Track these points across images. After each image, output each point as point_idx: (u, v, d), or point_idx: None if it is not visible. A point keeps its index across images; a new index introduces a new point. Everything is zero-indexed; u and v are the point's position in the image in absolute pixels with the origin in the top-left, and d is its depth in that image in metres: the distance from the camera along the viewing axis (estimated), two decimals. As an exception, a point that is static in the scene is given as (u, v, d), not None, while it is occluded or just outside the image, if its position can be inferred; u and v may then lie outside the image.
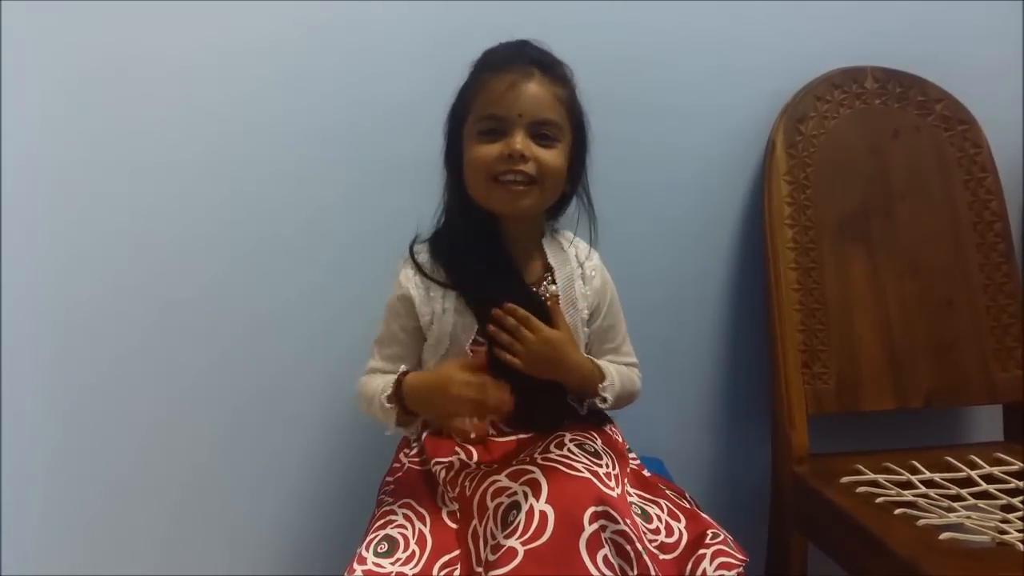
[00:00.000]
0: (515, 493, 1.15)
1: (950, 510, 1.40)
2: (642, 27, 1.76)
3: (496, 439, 1.38)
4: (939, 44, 1.86)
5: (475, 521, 1.19)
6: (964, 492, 1.48)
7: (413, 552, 1.18)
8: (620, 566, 1.08)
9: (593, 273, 1.43)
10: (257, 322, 1.72)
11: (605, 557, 1.07)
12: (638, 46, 1.76)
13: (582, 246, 1.46)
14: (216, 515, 1.76)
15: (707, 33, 1.79)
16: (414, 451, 1.43)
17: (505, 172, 1.28)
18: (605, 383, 1.37)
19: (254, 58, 1.66)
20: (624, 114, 1.74)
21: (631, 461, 1.40)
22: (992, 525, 1.34)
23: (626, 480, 1.28)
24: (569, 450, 1.25)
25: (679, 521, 1.26)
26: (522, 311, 1.28)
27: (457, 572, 1.16)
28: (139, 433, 1.71)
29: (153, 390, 1.71)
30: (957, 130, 1.81)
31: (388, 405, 1.30)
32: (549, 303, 1.36)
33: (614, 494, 1.14)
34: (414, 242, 1.42)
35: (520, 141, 1.27)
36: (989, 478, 1.53)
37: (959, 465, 1.57)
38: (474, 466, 1.31)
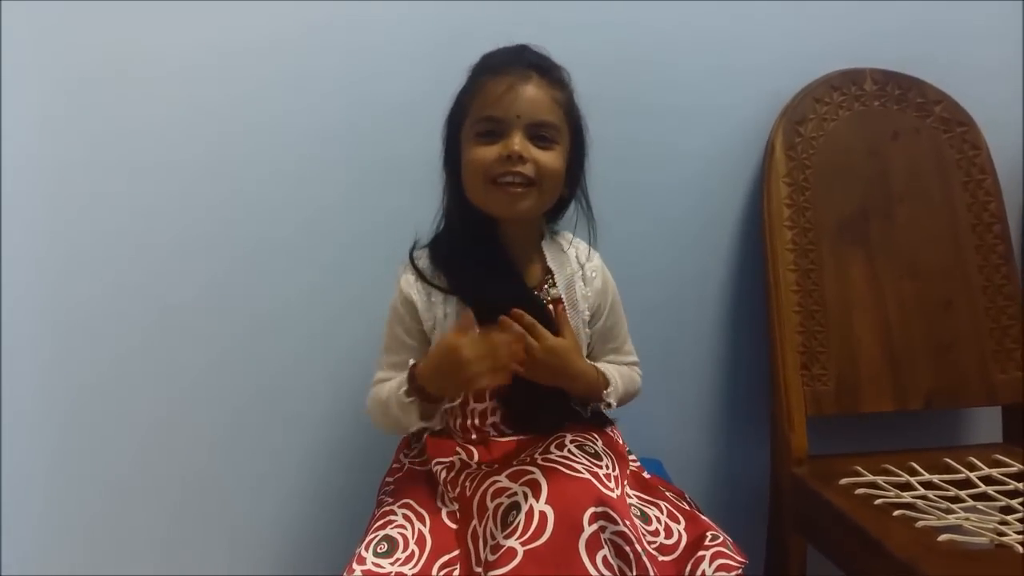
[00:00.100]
0: (515, 493, 1.15)
1: (949, 512, 1.40)
2: (641, 29, 1.76)
3: (497, 439, 1.38)
4: (938, 46, 1.86)
5: (475, 521, 1.19)
6: (963, 494, 1.48)
7: (412, 552, 1.18)
8: (619, 567, 1.08)
9: (594, 274, 1.43)
10: (257, 322, 1.72)
11: (604, 558, 1.08)
12: (637, 48, 1.76)
13: (582, 247, 1.46)
14: (216, 515, 1.76)
15: (706, 35, 1.79)
16: (414, 451, 1.44)
17: (503, 174, 1.28)
18: (609, 389, 1.38)
19: (254, 58, 1.67)
20: (623, 115, 1.75)
21: (631, 463, 1.40)
22: (991, 527, 1.34)
23: (626, 482, 1.28)
24: (569, 451, 1.25)
25: (678, 523, 1.27)
26: (528, 318, 1.29)
27: (456, 572, 1.16)
28: (139, 433, 1.71)
29: (153, 390, 1.71)
30: (956, 132, 1.81)
31: (408, 399, 1.28)
32: (554, 310, 1.36)
33: (614, 495, 1.14)
34: (413, 247, 1.41)
35: (518, 142, 1.27)
36: (988, 480, 1.53)
37: (958, 467, 1.57)
38: (474, 466, 1.31)
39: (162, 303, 1.69)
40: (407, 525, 1.22)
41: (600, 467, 1.21)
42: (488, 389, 1.35)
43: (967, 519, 1.36)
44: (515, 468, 1.22)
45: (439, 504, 1.28)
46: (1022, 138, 1.89)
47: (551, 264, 1.40)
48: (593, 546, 1.08)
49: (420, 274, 1.38)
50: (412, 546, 1.19)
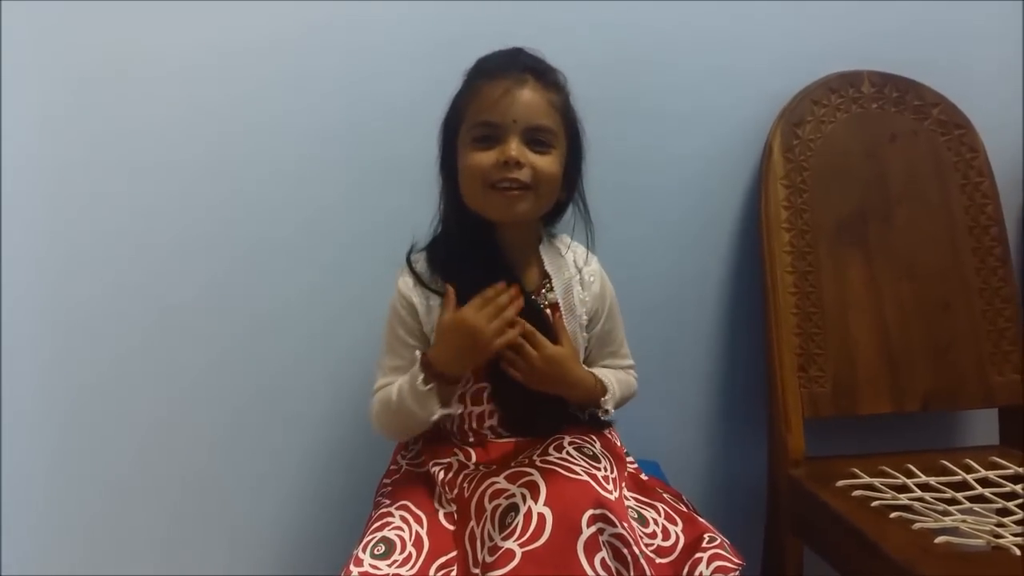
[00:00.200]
0: (513, 495, 1.16)
1: (946, 514, 1.40)
2: (639, 30, 1.76)
3: (495, 441, 1.38)
4: (936, 48, 1.86)
5: (473, 523, 1.19)
6: (960, 496, 1.48)
7: (410, 554, 1.18)
8: (617, 569, 1.09)
9: (592, 278, 1.43)
10: (257, 322, 1.72)
11: (603, 560, 1.08)
12: (635, 49, 1.77)
13: (580, 251, 1.45)
14: (216, 515, 1.76)
15: (704, 37, 1.79)
16: (411, 453, 1.43)
17: (501, 180, 1.27)
18: (607, 396, 1.38)
19: (254, 58, 1.67)
20: (622, 117, 1.76)
21: (628, 465, 1.40)
22: (987, 529, 1.34)
23: (624, 484, 1.28)
24: (568, 453, 1.25)
25: (676, 525, 1.27)
26: (527, 326, 1.29)
27: (454, 573, 1.16)
28: (139, 433, 1.71)
29: (153, 390, 1.71)
30: (954, 134, 1.81)
31: (426, 387, 1.27)
32: (552, 317, 1.36)
33: (612, 497, 1.15)
34: (411, 251, 1.41)
35: (515, 148, 1.26)
36: (985, 482, 1.54)
37: (955, 469, 1.58)
38: (472, 467, 1.32)
39: (162, 303, 1.69)
40: (404, 527, 1.22)
41: (598, 469, 1.21)
42: (489, 389, 1.36)
43: (964, 521, 1.36)
44: (513, 469, 1.22)
45: (437, 505, 1.28)
46: (1021, 141, 1.89)
47: (548, 268, 1.40)
48: (591, 548, 1.08)
49: (418, 278, 1.37)
50: (409, 548, 1.19)
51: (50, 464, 1.70)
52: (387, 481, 1.41)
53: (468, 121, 1.31)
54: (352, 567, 1.15)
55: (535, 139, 1.29)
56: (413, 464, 1.41)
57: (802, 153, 1.75)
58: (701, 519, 1.30)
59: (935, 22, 1.86)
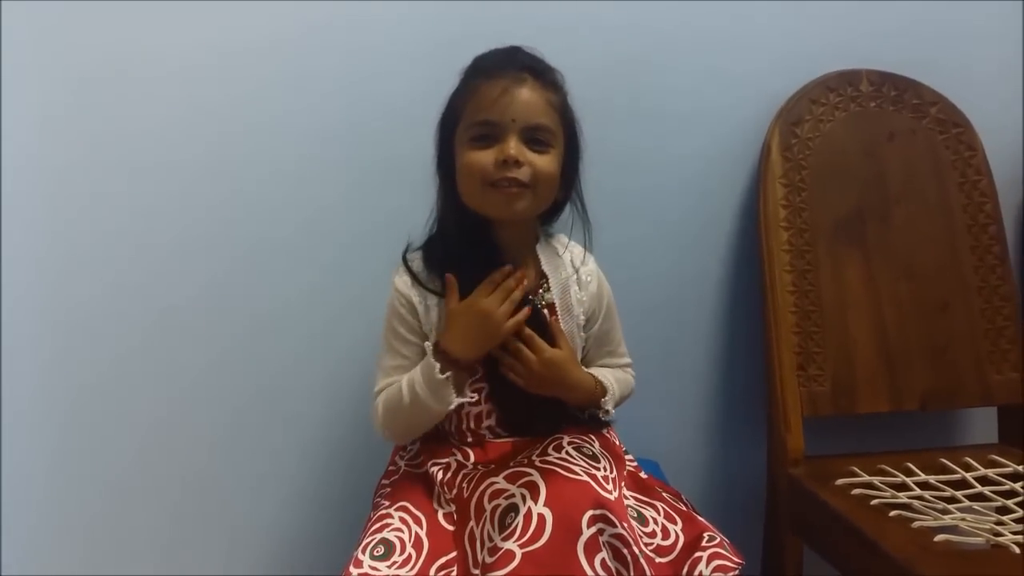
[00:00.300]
0: (513, 495, 1.16)
1: (945, 512, 1.40)
2: (638, 31, 1.76)
3: (493, 441, 1.38)
4: (934, 47, 1.87)
5: (472, 523, 1.19)
6: (959, 494, 1.48)
7: (409, 555, 1.18)
8: (617, 569, 1.09)
9: (589, 278, 1.43)
10: (257, 322, 1.72)
11: (603, 560, 1.08)
12: (634, 50, 1.77)
13: (577, 250, 1.45)
14: (216, 515, 1.76)
15: (702, 37, 1.79)
16: (410, 454, 1.43)
17: (500, 179, 1.27)
18: (606, 397, 1.39)
19: (254, 58, 1.67)
20: (620, 118, 1.77)
21: (628, 464, 1.40)
22: (987, 527, 1.35)
23: (623, 483, 1.28)
24: (567, 453, 1.25)
25: (675, 524, 1.27)
26: (526, 330, 1.30)
27: (454, 574, 1.16)
28: (139, 433, 1.71)
29: (153, 390, 1.71)
30: (952, 133, 1.81)
31: (443, 376, 1.26)
32: (549, 318, 1.36)
33: (612, 497, 1.15)
34: (407, 250, 1.41)
35: (514, 146, 1.26)
36: (984, 480, 1.54)
37: (954, 467, 1.58)
38: (471, 467, 1.32)
39: (162, 303, 1.69)
40: (404, 528, 1.22)
41: (598, 469, 1.21)
42: (487, 389, 1.37)
43: (963, 519, 1.37)
44: (513, 469, 1.22)
45: (436, 506, 1.28)
46: (1021, 139, 1.90)
47: (546, 269, 1.40)
48: (591, 548, 1.08)
49: (415, 277, 1.37)
50: (409, 549, 1.19)
51: (50, 464, 1.70)
52: (386, 482, 1.41)
53: (466, 120, 1.30)
54: (352, 568, 1.15)
55: (534, 138, 1.29)
56: (412, 465, 1.41)
57: (800, 152, 1.75)
58: (701, 518, 1.30)
59: (933, 21, 1.86)
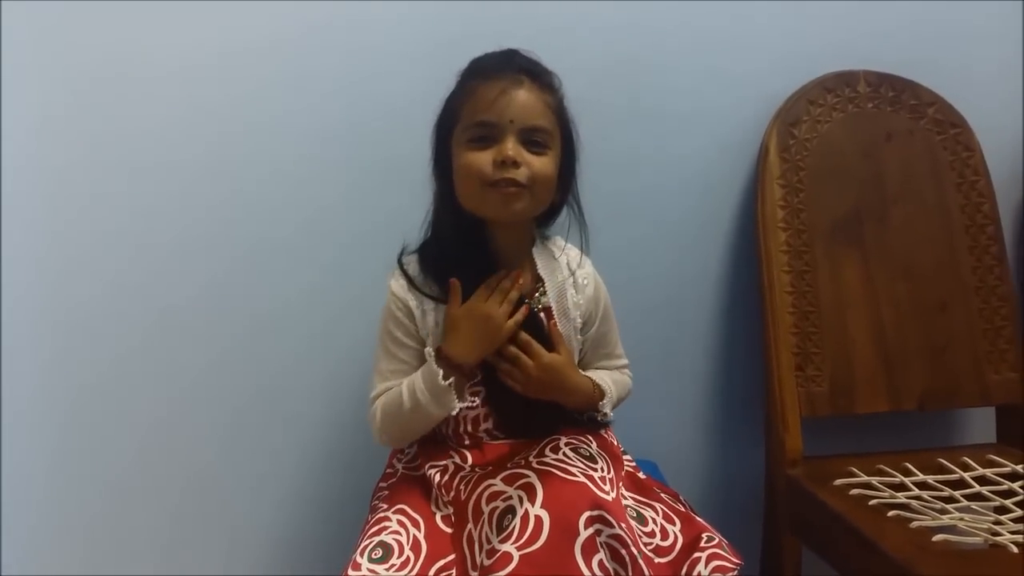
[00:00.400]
0: (510, 497, 1.16)
1: (943, 512, 1.41)
2: (636, 32, 1.77)
3: (490, 443, 1.38)
4: (931, 48, 1.87)
5: (470, 525, 1.19)
6: (957, 494, 1.49)
7: (408, 558, 1.17)
8: (615, 570, 1.09)
9: (586, 281, 1.43)
10: (257, 322, 1.72)
11: (600, 562, 1.08)
12: (632, 51, 1.77)
13: (573, 253, 1.45)
14: (216, 515, 1.76)
15: (699, 38, 1.79)
16: (407, 457, 1.43)
17: (498, 180, 1.27)
18: (604, 400, 1.39)
19: (254, 58, 1.67)
20: (619, 118, 1.77)
21: (626, 464, 1.41)
22: (985, 527, 1.35)
23: (621, 484, 1.28)
24: (564, 454, 1.25)
25: (674, 524, 1.27)
26: (523, 335, 1.31)
27: (452, 576, 1.17)
28: (139, 433, 1.71)
29: (153, 390, 1.71)
30: (949, 133, 1.82)
31: (446, 383, 1.27)
32: (546, 322, 1.36)
33: (609, 498, 1.15)
34: (402, 253, 1.41)
35: (512, 147, 1.26)
36: (982, 480, 1.55)
37: (952, 467, 1.58)
38: (468, 469, 1.32)
39: (162, 303, 1.69)
40: (402, 530, 1.22)
41: (595, 470, 1.21)
42: (484, 393, 1.37)
43: (961, 519, 1.37)
44: (510, 471, 1.22)
45: (434, 508, 1.28)
46: (1018, 139, 1.91)
47: (542, 272, 1.39)
48: (589, 550, 1.08)
49: (411, 281, 1.37)
50: (407, 552, 1.18)
51: (50, 464, 1.70)
52: (383, 485, 1.41)
53: (463, 121, 1.30)
54: (350, 571, 1.15)
55: (531, 140, 1.29)
56: (409, 468, 1.41)
57: (798, 153, 1.76)
58: (699, 519, 1.30)
59: (930, 22, 1.87)
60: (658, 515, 1.28)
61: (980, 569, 1.26)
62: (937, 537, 1.31)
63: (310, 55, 1.68)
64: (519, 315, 1.31)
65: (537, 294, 1.39)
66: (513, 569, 1.06)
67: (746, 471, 1.87)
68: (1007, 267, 1.81)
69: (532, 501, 1.12)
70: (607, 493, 1.15)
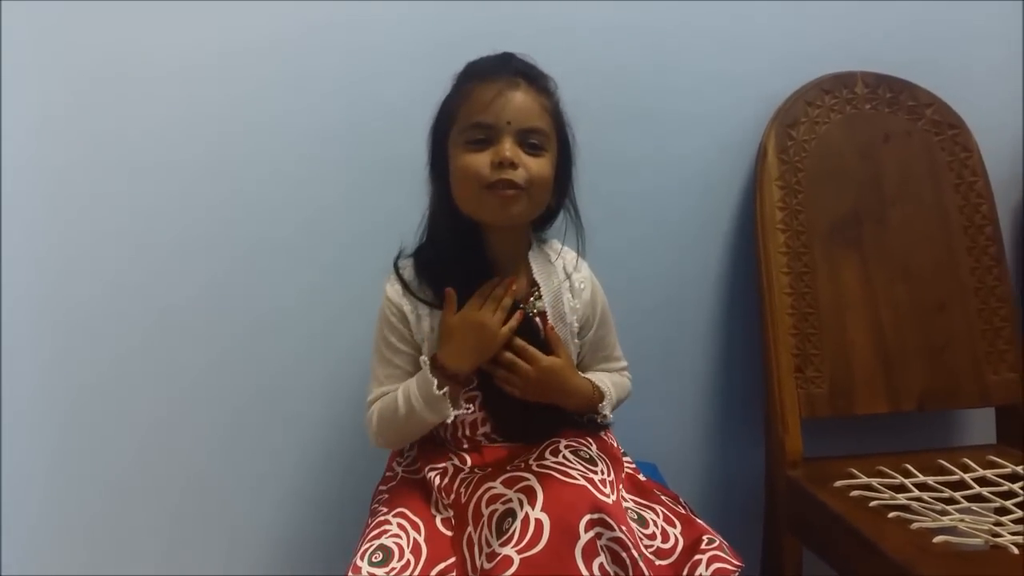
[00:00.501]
0: (510, 500, 1.16)
1: (944, 513, 1.41)
2: (635, 33, 1.77)
3: (490, 446, 1.39)
4: (929, 49, 1.87)
5: (470, 528, 1.19)
6: (957, 495, 1.49)
7: (408, 561, 1.17)
8: (616, 573, 1.09)
9: (582, 285, 1.43)
10: (257, 322, 1.72)
11: (601, 565, 1.08)
12: (631, 52, 1.77)
13: (569, 256, 1.44)
14: (216, 515, 1.76)
15: (698, 39, 1.80)
16: (407, 460, 1.43)
17: (496, 181, 1.26)
18: (604, 402, 1.39)
19: (254, 58, 1.66)
20: (618, 120, 1.77)
21: (626, 465, 1.41)
22: (986, 528, 1.35)
23: (621, 486, 1.28)
24: (564, 457, 1.25)
25: (674, 527, 1.27)
26: (518, 341, 1.31)
27: (452, 579, 1.16)
28: (139, 433, 1.71)
29: (153, 390, 1.71)
30: (947, 134, 1.82)
31: (440, 392, 1.28)
32: (544, 329, 1.36)
33: (609, 501, 1.15)
34: (399, 256, 1.41)
35: (509, 148, 1.26)
36: (982, 481, 1.55)
37: (952, 468, 1.59)
38: (468, 470, 1.32)
39: (162, 303, 1.69)
40: (402, 534, 1.22)
41: (595, 472, 1.20)
42: (480, 398, 1.37)
43: (962, 520, 1.37)
44: (510, 474, 1.22)
45: (434, 511, 1.28)
46: (1019, 140, 1.91)
47: (537, 277, 1.39)
48: (589, 553, 1.08)
49: (406, 285, 1.37)
50: (408, 555, 1.18)
51: (50, 464, 1.70)
52: (383, 488, 1.41)
53: (460, 123, 1.30)
54: (351, 574, 1.15)
55: (528, 141, 1.28)
56: (409, 471, 1.41)
57: (796, 154, 1.76)
58: (700, 521, 1.30)
59: (928, 23, 1.87)
60: (659, 517, 1.28)
61: (980, 570, 1.26)
62: (937, 538, 1.31)
63: (310, 55, 1.68)
64: (512, 322, 1.31)
65: (532, 298, 1.38)
66: (513, 572, 1.06)
67: (746, 472, 1.88)
68: (1006, 268, 1.81)
69: (532, 504, 1.12)
70: (607, 496, 1.15)
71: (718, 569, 1.20)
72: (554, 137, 1.33)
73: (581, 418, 1.41)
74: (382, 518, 1.26)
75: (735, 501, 1.90)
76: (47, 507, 1.71)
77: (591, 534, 1.09)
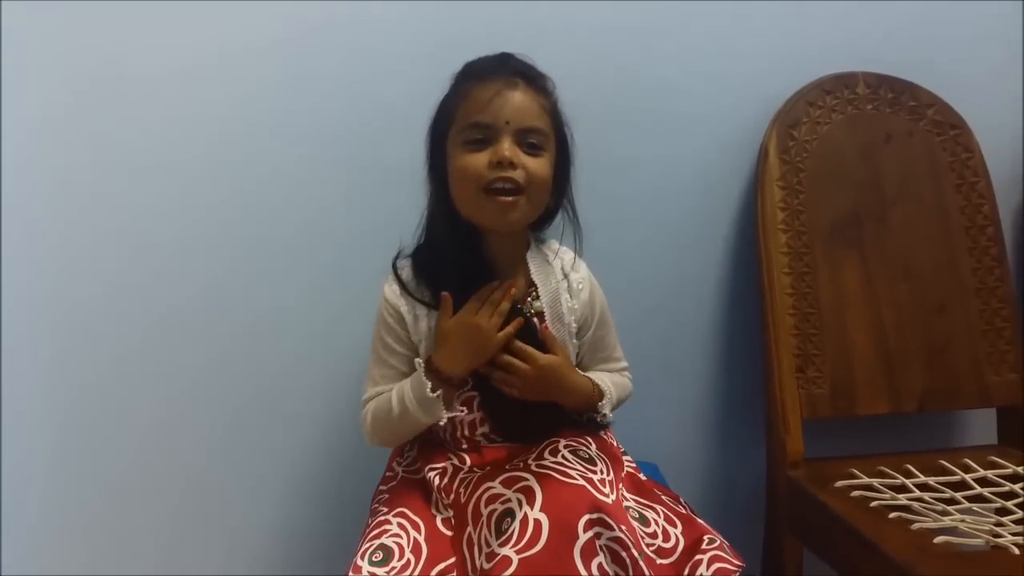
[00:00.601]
0: (509, 500, 1.15)
1: (944, 514, 1.41)
2: (635, 33, 1.76)
3: (489, 446, 1.38)
4: (930, 49, 1.87)
5: (470, 528, 1.19)
6: (958, 495, 1.49)
7: (408, 561, 1.17)
8: (616, 573, 1.08)
9: (580, 285, 1.42)
10: (257, 322, 1.72)
11: (600, 565, 1.08)
12: (631, 53, 1.77)
13: (567, 256, 1.44)
14: (216, 515, 1.76)
15: (699, 39, 1.79)
16: (407, 460, 1.43)
17: (494, 180, 1.26)
18: (603, 401, 1.39)
19: (254, 58, 1.66)
20: (619, 120, 1.77)
21: (627, 464, 1.40)
22: (986, 528, 1.35)
23: (621, 485, 1.28)
24: (563, 456, 1.25)
25: (675, 527, 1.27)
26: (517, 343, 1.31)
27: (452, 578, 1.16)
28: (139, 433, 1.71)
29: (153, 390, 1.71)
30: (949, 135, 1.82)
31: (434, 395, 1.28)
32: (539, 327, 1.36)
33: (609, 501, 1.14)
34: (397, 257, 1.40)
35: (508, 147, 1.26)
36: (983, 481, 1.55)
37: (953, 468, 1.59)
38: (467, 470, 1.32)
39: (162, 303, 1.69)
40: (402, 533, 1.22)
41: (595, 472, 1.20)
42: (479, 398, 1.37)
43: (963, 521, 1.37)
44: (509, 474, 1.21)
45: (434, 511, 1.28)
46: (1018, 140, 1.91)
47: (535, 277, 1.39)
48: (588, 553, 1.08)
49: (403, 286, 1.37)
50: (408, 554, 1.18)
51: (50, 464, 1.70)
52: (383, 488, 1.41)
53: (458, 123, 1.30)
54: (351, 574, 1.15)
55: (527, 141, 1.28)
56: (409, 471, 1.41)
57: (798, 155, 1.76)
58: (700, 521, 1.30)
59: (929, 23, 1.87)
60: (659, 517, 1.28)
61: (981, 570, 1.26)
62: (938, 539, 1.31)
63: (310, 55, 1.68)
64: (510, 327, 1.30)
65: (530, 299, 1.38)
66: (512, 572, 1.06)
67: (747, 472, 1.87)
68: (1007, 268, 1.81)
69: (531, 504, 1.12)
70: (607, 496, 1.15)
71: (719, 569, 1.20)
72: (553, 137, 1.33)
73: (581, 417, 1.41)
74: (382, 518, 1.26)
75: (736, 501, 1.90)
76: (47, 507, 1.71)
77: (590, 534, 1.09)
